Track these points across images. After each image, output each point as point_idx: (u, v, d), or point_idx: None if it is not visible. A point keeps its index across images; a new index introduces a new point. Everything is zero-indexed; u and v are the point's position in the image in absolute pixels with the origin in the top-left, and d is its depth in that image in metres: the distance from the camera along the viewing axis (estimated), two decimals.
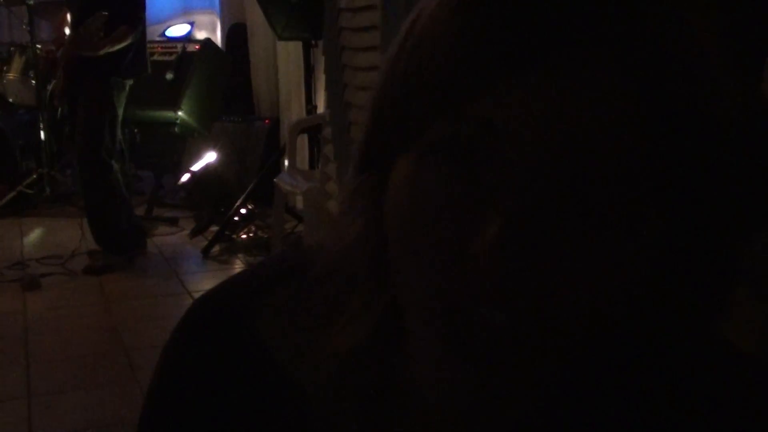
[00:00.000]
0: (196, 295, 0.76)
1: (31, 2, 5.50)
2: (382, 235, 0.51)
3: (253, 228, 4.79)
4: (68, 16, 4.44)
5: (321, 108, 4.56)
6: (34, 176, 5.69)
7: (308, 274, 0.58)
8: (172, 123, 5.64)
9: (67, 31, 4.46)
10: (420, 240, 0.48)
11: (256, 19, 5.84)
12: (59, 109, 5.58)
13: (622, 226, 0.47)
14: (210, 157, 5.42)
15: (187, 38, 6.91)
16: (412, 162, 0.49)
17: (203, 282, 4.28)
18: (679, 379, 0.55)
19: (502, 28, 0.45)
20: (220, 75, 5.95)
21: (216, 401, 0.61)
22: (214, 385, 0.61)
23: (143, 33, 4.43)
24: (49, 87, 5.43)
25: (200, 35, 7.22)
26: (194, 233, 5.04)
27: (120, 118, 4.39)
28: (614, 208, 0.46)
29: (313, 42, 4.67)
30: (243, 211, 4.76)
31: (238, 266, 4.53)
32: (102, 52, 4.13)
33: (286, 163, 4.36)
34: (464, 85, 0.46)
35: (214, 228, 4.91)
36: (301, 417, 0.58)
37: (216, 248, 4.75)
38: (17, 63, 5.73)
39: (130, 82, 4.38)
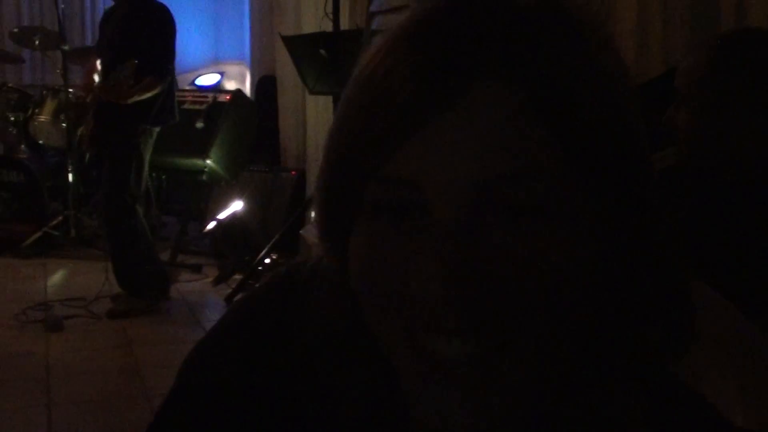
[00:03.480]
0: None
1: (66, 48, 5.59)
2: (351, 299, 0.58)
3: None
4: (98, 64, 4.51)
5: None
6: (60, 218, 5.72)
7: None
8: (200, 171, 5.68)
9: (96, 78, 4.54)
10: (379, 292, 0.54)
11: (287, 72, 5.91)
12: (87, 153, 5.64)
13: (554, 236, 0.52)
14: (236, 206, 5.45)
15: (217, 88, 7.01)
16: (361, 230, 0.56)
17: None
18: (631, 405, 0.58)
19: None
20: (249, 125, 6.01)
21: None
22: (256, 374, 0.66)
23: (172, 83, 4.49)
24: (79, 131, 5.48)
25: (229, 85, 7.33)
26: (218, 281, 5.04)
27: (146, 164, 4.45)
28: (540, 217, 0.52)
29: None
30: (267, 261, 4.77)
31: None
32: (130, 101, 4.20)
33: (312, 215, 4.36)
34: (377, 149, 0.53)
35: (238, 276, 4.92)
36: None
37: (239, 297, 4.74)
38: (49, 106, 5.81)
39: (157, 129, 4.44)
